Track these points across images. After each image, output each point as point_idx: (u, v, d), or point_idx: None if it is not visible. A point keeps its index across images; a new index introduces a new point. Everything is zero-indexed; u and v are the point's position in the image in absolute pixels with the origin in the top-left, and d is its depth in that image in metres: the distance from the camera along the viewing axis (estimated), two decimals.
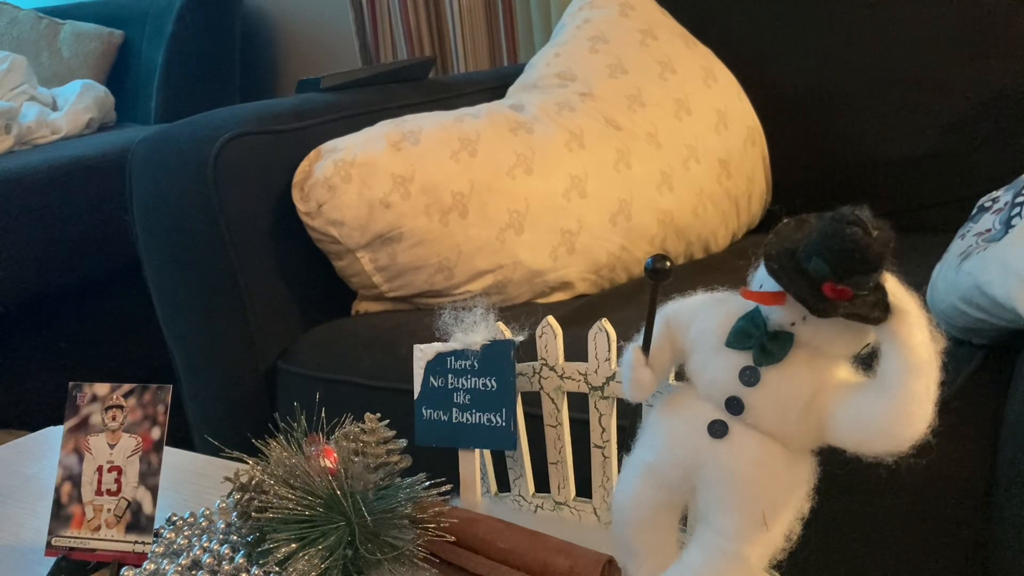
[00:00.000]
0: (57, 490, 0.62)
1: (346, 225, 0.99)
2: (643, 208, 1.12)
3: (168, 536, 0.60)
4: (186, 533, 0.60)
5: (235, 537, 0.57)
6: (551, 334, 0.61)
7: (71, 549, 0.61)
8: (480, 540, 0.55)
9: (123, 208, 1.09)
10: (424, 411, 0.64)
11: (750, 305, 0.43)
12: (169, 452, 0.71)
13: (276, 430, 0.58)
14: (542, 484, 0.64)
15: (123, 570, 0.57)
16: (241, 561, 0.54)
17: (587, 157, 1.10)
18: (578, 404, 0.62)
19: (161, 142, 1.06)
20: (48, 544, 0.61)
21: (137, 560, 0.59)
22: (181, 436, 0.98)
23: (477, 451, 0.63)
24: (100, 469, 0.61)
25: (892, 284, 0.39)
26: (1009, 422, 0.64)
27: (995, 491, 0.64)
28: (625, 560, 0.49)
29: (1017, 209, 0.68)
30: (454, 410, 0.63)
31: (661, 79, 1.21)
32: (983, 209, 0.77)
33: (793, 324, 0.41)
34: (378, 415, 0.60)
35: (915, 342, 0.38)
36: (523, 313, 0.71)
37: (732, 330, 0.43)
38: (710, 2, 1.36)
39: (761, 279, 0.42)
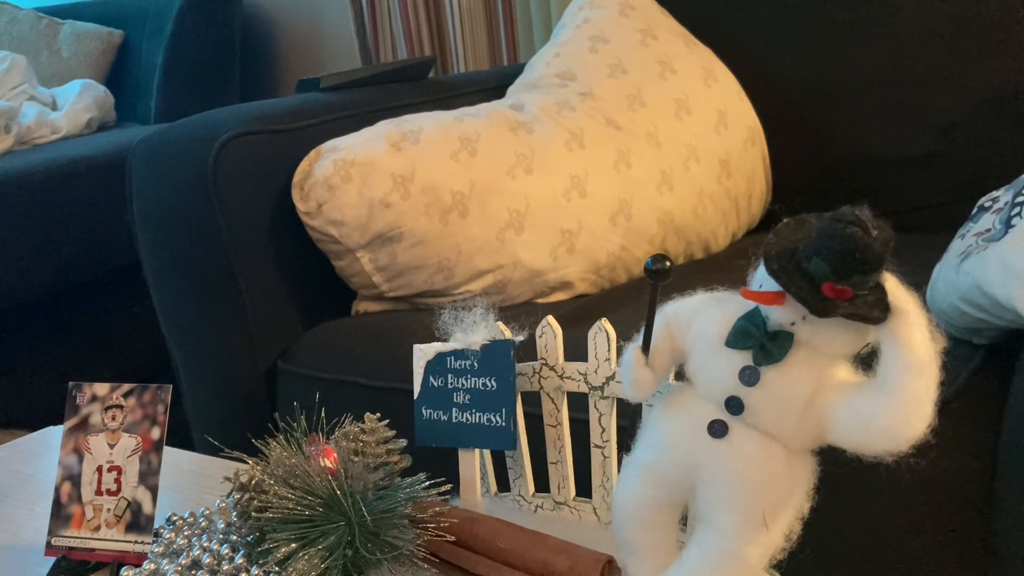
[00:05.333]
0: (57, 490, 0.62)
1: (346, 225, 0.99)
2: (643, 208, 1.12)
3: (168, 536, 0.60)
4: (186, 533, 0.60)
5: (235, 537, 0.57)
6: (551, 334, 0.61)
7: (71, 549, 0.61)
8: (480, 540, 0.55)
9: (123, 208, 1.09)
10: (424, 411, 0.64)
11: (750, 305, 0.43)
12: (169, 452, 0.71)
13: (276, 430, 0.58)
14: (542, 484, 0.64)
15: (123, 570, 0.57)
16: (241, 561, 0.54)
17: (587, 157, 1.10)
18: (578, 404, 0.62)
19: (161, 142, 1.06)
20: (48, 544, 0.61)
21: (137, 560, 0.59)
22: (181, 436, 0.98)
23: (477, 451, 0.63)
24: (100, 469, 0.61)
25: (892, 284, 0.39)
26: (1009, 422, 0.64)
27: (995, 491, 0.64)
28: (625, 560, 0.49)
29: (1017, 209, 0.68)
30: (454, 410, 0.63)
31: (661, 79, 1.21)
32: (983, 209, 0.77)
33: (793, 324, 0.41)
34: (378, 415, 0.60)
35: (915, 342, 0.38)
36: (523, 313, 0.71)
37: (732, 330, 0.43)
38: (710, 2, 1.36)
39: (761, 279, 0.42)
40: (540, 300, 1.08)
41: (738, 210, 1.26)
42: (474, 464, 0.63)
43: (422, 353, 0.65)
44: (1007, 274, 0.62)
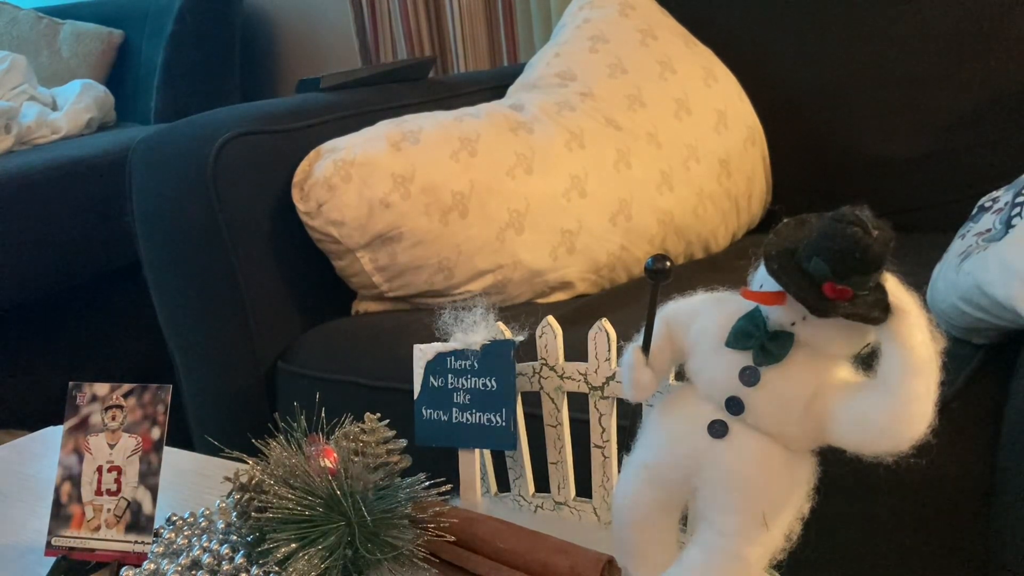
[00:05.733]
0: (57, 490, 0.62)
1: (346, 225, 0.99)
2: (643, 208, 1.12)
3: (168, 536, 0.60)
4: (186, 533, 0.60)
5: (235, 537, 0.57)
6: (551, 334, 0.61)
7: (71, 549, 0.61)
8: (480, 540, 0.55)
9: (123, 208, 1.09)
10: (424, 411, 0.64)
11: (750, 305, 0.43)
12: (169, 452, 0.71)
13: (276, 430, 0.58)
14: (542, 484, 0.64)
15: (123, 570, 0.57)
16: (241, 561, 0.54)
17: (587, 157, 1.10)
18: (578, 404, 0.62)
19: (161, 142, 1.06)
20: (48, 544, 0.61)
21: (137, 560, 0.59)
22: (181, 436, 0.98)
23: (477, 451, 0.63)
24: (100, 469, 0.61)
25: (892, 284, 0.39)
26: (1009, 422, 0.64)
27: (995, 491, 0.64)
28: (625, 560, 0.49)
29: (1017, 209, 0.68)
30: (454, 410, 0.63)
31: (661, 79, 1.21)
32: (983, 209, 0.77)
33: (793, 324, 0.41)
34: (378, 415, 0.60)
35: (915, 342, 0.38)
36: (523, 313, 0.71)
37: (732, 330, 0.43)
38: (710, 2, 1.36)
39: (761, 279, 0.42)
40: (540, 300, 1.08)
41: (738, 210, 1.26)
42: (474, 464, 0.63)
43: (422, 353, 0.65)
44: (1007, 274, 0.62)
